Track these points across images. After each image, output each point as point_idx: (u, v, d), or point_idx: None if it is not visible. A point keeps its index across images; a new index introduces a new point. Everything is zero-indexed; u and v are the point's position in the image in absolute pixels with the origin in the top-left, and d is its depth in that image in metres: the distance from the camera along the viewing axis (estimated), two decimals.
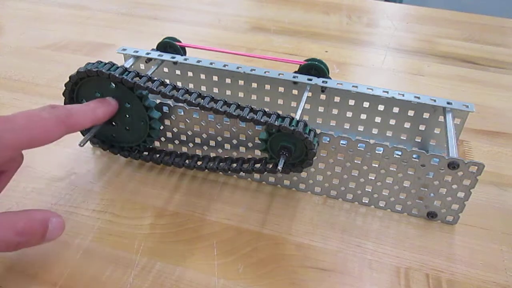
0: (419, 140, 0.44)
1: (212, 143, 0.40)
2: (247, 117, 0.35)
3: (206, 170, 0.41)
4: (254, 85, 0.45)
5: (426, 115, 0.42)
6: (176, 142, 0.41)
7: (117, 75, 0.36)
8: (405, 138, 0.44)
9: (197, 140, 0.41)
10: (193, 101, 0.36)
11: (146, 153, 0.42)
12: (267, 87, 0.45)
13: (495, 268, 0.34)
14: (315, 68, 0.44)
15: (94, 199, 0.39)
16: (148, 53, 0.46)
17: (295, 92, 0.45)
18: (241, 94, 0.46)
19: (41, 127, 0.29)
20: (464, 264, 0.35)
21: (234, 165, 0.39)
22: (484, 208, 0.40)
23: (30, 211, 0.29)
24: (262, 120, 0.35)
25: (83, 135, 0.41)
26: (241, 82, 0.46)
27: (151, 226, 0.37)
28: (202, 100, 0.36)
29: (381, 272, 0.34)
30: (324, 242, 0.36)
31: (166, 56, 0.46)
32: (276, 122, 0.35)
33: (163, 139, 0.42)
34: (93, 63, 0.38)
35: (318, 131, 0.36)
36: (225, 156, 0.40)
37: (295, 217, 0.38)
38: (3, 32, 0.71)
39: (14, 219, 0.28)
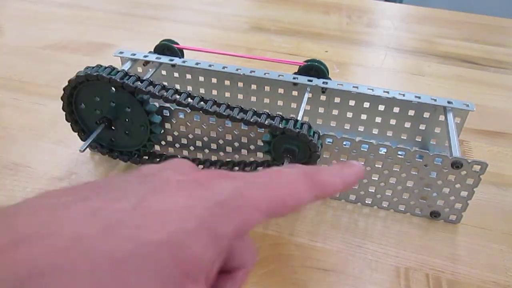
0: (420, 140, 0.44)
1: (213, 146, 0.40)
2: (251, 120, 0.35)
3: None
4: (254, 86, 0.45)
5: (426, 115, 0.42)
6: (177, 145, 0.41)
7: (118, 80, 0.36)
8: (405, 138, 0.44)
9: (198, 143, 0.41)
10: (196, 105, 0.36)
11: (146, 157, 0.42)
12: (267, 88, 0.45)
13: (495, 268, 0.34)
14: (315, 69, 0.44)
15: None
16: (145, 56, 0.46)
17: (295, 93, 0.44)
18: (240, 96, 0.46)
19: (289, 184, 0.21)
20: (464, 264, 0.35)
21: (236, 168, 0.39)
22: (485, 208, 0.40)
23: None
24: (266, 123, 0.35)
25: (83, 140, 0.41)
26: (240, 84, 0.45)
27: None
28: (205, 104, 0.36)
29: (381, 272, 0.34)
30: (325, 243, 0.36)
31: (164, 59, 0.45)
32: (280, 124, 0.35)
33: (163, 142, 0.42)
34: (93, 67, 0.37)
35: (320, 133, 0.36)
36: (227, 160, 0.40)
37: (297, 218, 0.38)
38: (3, 32, 0.71)
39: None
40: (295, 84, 0.44)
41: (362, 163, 0.28)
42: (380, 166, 0.36)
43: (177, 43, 0.48)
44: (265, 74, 0.44)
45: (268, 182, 0.21)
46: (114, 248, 0.16)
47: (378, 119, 0.44)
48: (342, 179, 0.24)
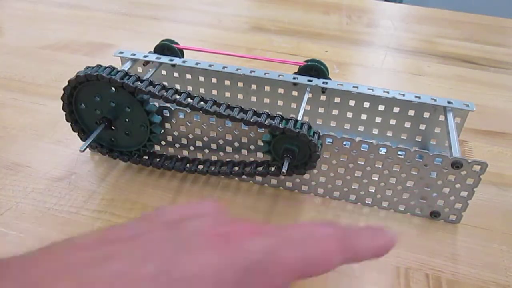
0: (420, 140, 0.44)
1: (213, 146, 0.40)
2: (251, 120, 0.35)
3: (208, 174, 0.40)
4: (254, 86, 0.45)
5: (426, 115, 0.42)
6: (177, 145, 0.41)
7: (118, 80, 0.36)
8: (405, 138, 0.44)
9: (198, 143, 0.40)
10: (196, 105, 0.36)
11: (146, 157, 0.42)
12: (267, 88, 0.45)
13: (495, 268, 0.34)
14: (314, 69, 0.44)
15: (95, 199, 0.39)
16: (145, 56, 0.46)
17: (295, 93, 0.44)
18: (240, 96, 0.46)
19: (322, 246, 0.21)
20: (464, 264, 0.35)
21: (236, 168, 0.39)
22: (485, 208, 0.40)
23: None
24: (266, 123, 0.35)
25: (83, 140, 0.41)
26: (240, 84, 0.45)
27: None
28: (205, 104, 0.36)
29: (381, 272, 0.34)
30: None
31: (164, 59, 0.45)
32: (280, 124, 0.35)
33: (163, 142, 0.42)
34: (93, 67, 0.37)
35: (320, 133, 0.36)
36: (227, 160, 0.40)
37: (298, 218, 0.38)
38: (3, 32, 0.71)
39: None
40: (295, 84, 0.44)
41: (389, 231, 0.24)
42: (380, 166, 0.36)
43: (177, 43, 0.48)
44: (265, 74, 0.44)
45: (302, 242, 0.20)
46: None
47: (378, 119, 0.44)
48: (372, 250, 0.23)
